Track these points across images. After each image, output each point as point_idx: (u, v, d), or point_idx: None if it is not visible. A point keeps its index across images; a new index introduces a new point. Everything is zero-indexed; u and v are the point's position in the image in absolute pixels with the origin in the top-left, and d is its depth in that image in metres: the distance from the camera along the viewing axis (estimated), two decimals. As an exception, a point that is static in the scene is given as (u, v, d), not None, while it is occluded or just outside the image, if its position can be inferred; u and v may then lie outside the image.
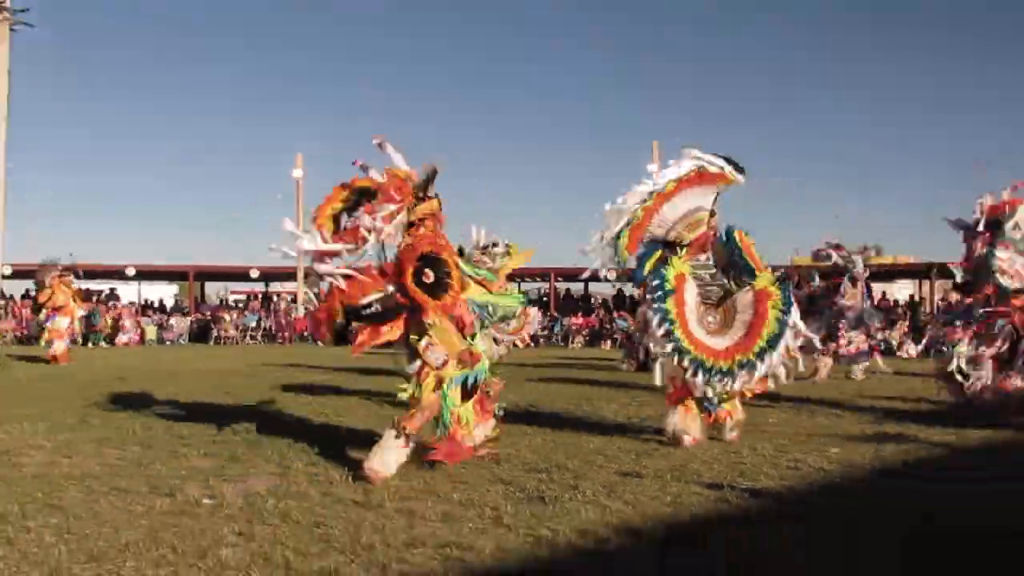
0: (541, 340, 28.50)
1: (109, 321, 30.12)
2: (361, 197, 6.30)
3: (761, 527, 4.83)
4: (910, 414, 9.70)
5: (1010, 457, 7.32)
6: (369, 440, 7.61)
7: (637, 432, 8.11)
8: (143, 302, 37.40)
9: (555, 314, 32.89)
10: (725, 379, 7.31)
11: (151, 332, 31.68)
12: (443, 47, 67.44)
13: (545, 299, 35.38)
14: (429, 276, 6.06)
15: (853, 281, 14.93)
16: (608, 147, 58.83)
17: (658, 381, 7.60)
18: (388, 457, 5.97)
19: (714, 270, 7.85)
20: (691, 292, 7.60)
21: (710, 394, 7.47)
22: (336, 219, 6.31)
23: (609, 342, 28.93)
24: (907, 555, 4.24)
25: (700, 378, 7.28)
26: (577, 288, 38.39)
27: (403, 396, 6.29)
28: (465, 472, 6.25)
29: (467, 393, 6.38)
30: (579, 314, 33.40)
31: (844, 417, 9.35)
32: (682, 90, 63.10)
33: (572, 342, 30.65)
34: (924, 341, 15.00)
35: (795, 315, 7.58)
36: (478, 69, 66.38)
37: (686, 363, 7.29)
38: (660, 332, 7.32)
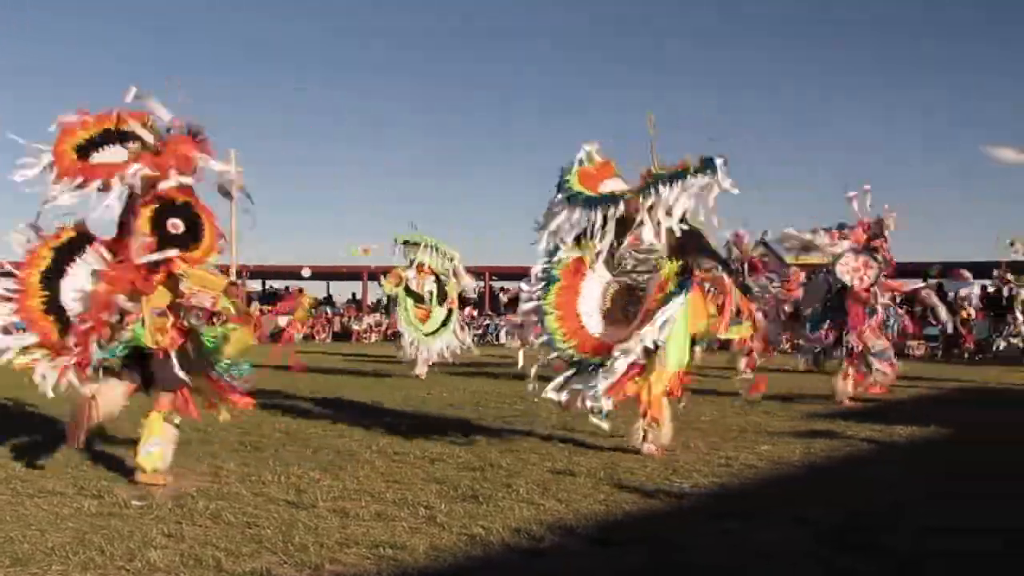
0: (475, 339, 28.49)
1: None
2: (114, 135, 5.89)
3: (694, 525, 4.91)
4: (838, 412, 9.96)
5: (933, 453, 7.52)
6: (305, 439, 7.58)
7: (571, 430, 8.15)
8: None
9: (490, 313, 32.94)
10: (596, 373, 6.66)
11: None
12: (382, 40, 66.89)
13: (479, 298, 35.41)
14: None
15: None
16: (547, 144, 58.82)
17: (520, 364, 7.45)
18: None
19: (658, 256, 7.00)
20: (595, 279, 7.13)
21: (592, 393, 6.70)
22: (83, 149, 5.82)
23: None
24: (837, 551, 4.33)
25: (569, 370, 6.85)
26: (512, 287, 38.46)
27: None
28: (399, 471, 6.25)
29: None
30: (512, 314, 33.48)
31: (774, 414, 9.52)
32: (628, 90, 63.24)
33: (506, 340, 30.69)
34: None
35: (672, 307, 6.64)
36: (414, 61, 65.85)
37: (555, 354, 6.95)
38: (532, 319, 7.10)
